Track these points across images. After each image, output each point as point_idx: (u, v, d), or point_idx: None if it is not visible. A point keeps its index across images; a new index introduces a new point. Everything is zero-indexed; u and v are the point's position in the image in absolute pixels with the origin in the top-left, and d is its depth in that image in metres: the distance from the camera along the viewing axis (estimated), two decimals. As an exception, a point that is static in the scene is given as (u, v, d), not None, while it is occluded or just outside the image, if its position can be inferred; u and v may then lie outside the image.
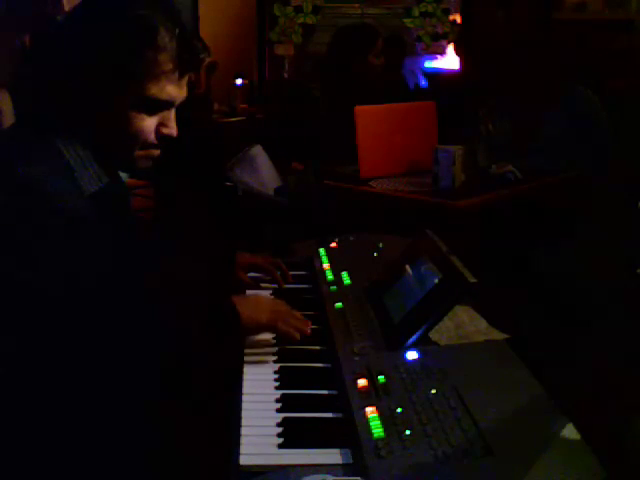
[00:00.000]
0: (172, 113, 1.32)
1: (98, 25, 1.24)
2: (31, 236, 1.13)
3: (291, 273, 1.80)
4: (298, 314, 1.47)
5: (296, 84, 5.29)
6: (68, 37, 1.27)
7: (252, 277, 1.78)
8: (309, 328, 1.45)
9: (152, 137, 1.31)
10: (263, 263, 1.79)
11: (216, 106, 5.07)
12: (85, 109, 1.27)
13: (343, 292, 1.64)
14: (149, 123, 1.29)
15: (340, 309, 1.55)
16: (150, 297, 1.33)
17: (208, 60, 1.39)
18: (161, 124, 1.31)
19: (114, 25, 1.24)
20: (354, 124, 2.78)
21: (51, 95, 1.28)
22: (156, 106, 1.28)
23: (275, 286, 1.76)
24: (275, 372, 1.35)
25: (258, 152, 3.24)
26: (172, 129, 1.32)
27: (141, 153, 1.32)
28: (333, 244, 1.94)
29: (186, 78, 1.31)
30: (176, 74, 1.27)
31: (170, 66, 1.26)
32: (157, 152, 1.35)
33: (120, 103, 1.26)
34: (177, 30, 1.26)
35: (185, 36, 1.28)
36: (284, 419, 1.19)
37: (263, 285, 1.77)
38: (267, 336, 1.48)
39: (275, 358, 1.40)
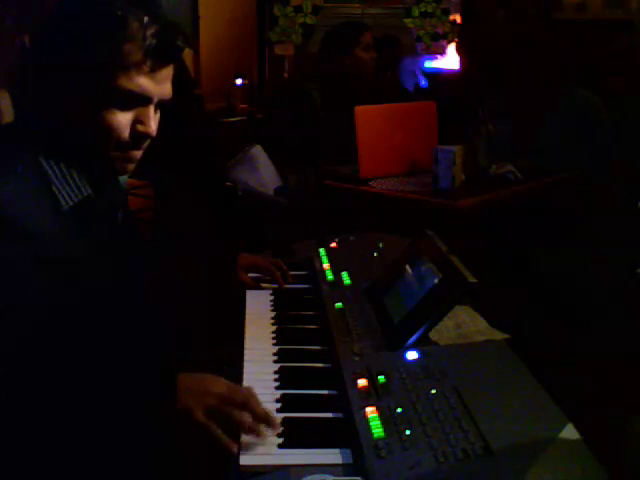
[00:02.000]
0: (150, 110, 1.22)
1: (62, 16, 1.20)
2: None
3: (291, 273, 1.80)
4: (261, 409, 1.16)
5: (296, 84, 5.29)
6: (45, 30, 1.22)
7: (252, 277, 1.78)
8: (275, 429, 1.15)
9: (125, 134, 1.20)
10: (263, 263, 1.79)
11: (216, 106, 5.07)
12: (57, 105, 1.20)
13: (343, 292, 1.64)
14: (122, 119, 1.19)
15: (340, 309, 1.55)
16: (150, 297, 1.33)
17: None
18: (137, 121, 1.21)
19: (77, 13, 1.18)
20: (353, 124, 2.78)
21: (32, 96, 1.24)
22: (128, 100, 1.19)
23: (275, 286, 1.76)
24: (275, 372, 1.35)
25: (258, 152, 3.24)
26: (149, 127, 1.22)
27: (118, 154, 1.22)
28: (333, 244, 1.94)
29: (165, 72, 1.22)
30: (147, 65, 1.17)
31: (139, 57, 1.16)
32: (137, 154, 1.25)
33: (89, 97, 1.18)
34: (146, 19, 1.17)
35: (157, 25, 1.18)
36: (284, 419, 1.19)
37: (263, 285, 1.77)
38: (267, 336, 1.48)
39: (275, 358, 1.40)
